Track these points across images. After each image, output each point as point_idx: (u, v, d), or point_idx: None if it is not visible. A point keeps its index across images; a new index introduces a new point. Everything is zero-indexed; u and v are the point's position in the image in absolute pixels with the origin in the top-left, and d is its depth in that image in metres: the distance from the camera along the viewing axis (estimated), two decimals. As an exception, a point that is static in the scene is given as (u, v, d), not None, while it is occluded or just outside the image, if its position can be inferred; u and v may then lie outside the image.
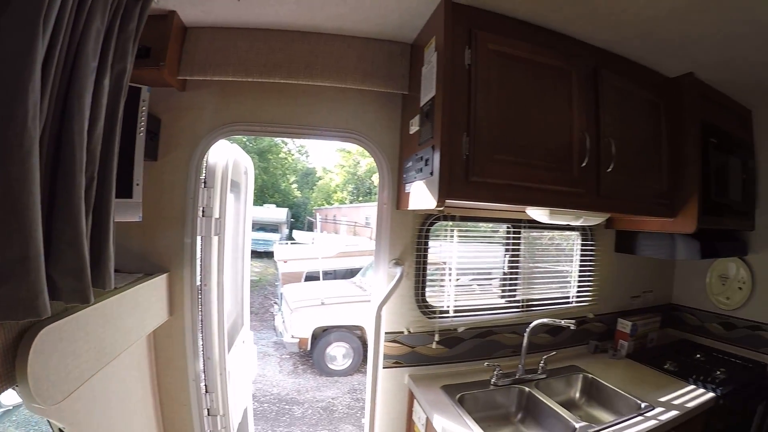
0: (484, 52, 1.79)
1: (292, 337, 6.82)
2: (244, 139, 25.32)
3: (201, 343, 2.29)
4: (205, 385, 2.33)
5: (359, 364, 7.04)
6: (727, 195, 2.72)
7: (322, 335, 6.93)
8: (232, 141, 2.47)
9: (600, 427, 1.96)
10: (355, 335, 7.05)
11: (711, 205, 2.54)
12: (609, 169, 2.12)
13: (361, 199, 32.47)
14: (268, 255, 17.63)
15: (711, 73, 2.54)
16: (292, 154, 35.08)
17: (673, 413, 2.12)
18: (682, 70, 2.50)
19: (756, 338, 3.02)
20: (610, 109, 2.16)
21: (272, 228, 24.13)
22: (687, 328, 3.44)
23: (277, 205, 28.01)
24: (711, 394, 2.38)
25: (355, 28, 2.11)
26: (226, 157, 2.44)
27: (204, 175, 2.24)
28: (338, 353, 6.99)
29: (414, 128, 2.07)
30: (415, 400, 2.32)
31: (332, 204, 32.98)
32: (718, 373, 2.67)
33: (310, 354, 7.09)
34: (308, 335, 6.81)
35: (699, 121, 2.47)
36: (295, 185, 36.22)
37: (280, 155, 33.37)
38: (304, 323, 6.82)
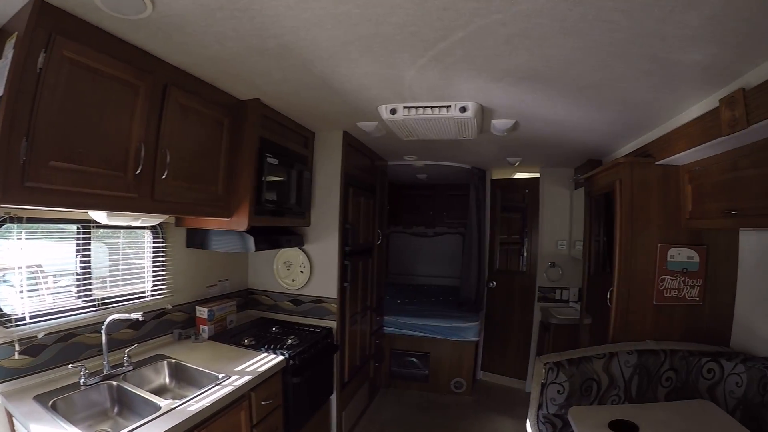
0: (58, 59, 1.79)
1: None
2: None
3: None
4: None
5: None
6: (288, 199, 3.39)
7: None
8: None
9: (181, 402, 2.18)
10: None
11: (269, 207, 3.12)
12: (163, 176, 2.35)
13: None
14: None
15: (277, 101, 3.08)
16: None
17: (247, 377, 2.56)
18: (251, 95, 2.96)
19: (320, 309, 3.93)
20: (172, 123, 2.40)
21: None
22: (264, 307, 4.12)
23: None
24: (281, 357, 2.96)
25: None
26: None
27: None
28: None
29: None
30: (13, 418, 2.15)
31: None
32: (290, 340, 3.27)
33: None
34: None
35: (258, 138, 3.00)
36: None
37: None
38: None
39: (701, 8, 1.63)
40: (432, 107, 2.96)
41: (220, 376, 2.56)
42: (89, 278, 2.75)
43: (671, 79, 2.39)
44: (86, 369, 2.38)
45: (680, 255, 3.25)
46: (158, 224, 3.06)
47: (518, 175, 6.31)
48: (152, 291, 3.13)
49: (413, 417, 4.86)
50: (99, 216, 2.35)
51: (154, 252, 3.15)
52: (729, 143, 2.52)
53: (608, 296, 3.47)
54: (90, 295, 2.74)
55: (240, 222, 2.97)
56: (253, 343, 3.20)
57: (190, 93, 2.55)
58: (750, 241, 3.11)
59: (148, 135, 2.27)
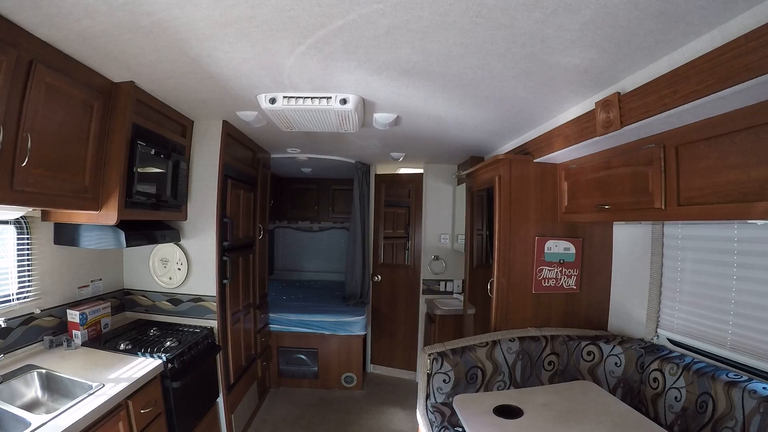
0: None
1: None
2: None
3: None
4: None
5: None
6: (163, 191, 3.21)
7: None
8: None
9: (52, 416, 2.02)
10: None
11: (142, 199, 2.94)
12: (24, 164, 2.08)
13: None
14: None
15: (153, 85, 2.88)
16: None
17: (123, 385, 2.40)
18: (125, 78, 2.71)
19: (200, 308, 3.77)
20: (36, 104, 2.14)
21: None
22: (142, 308, 3.88)
23: None
24: (159, 361, 2.80)
25: None
26: None
27: None
28: None
29: None
30: None
31: None
32: (169, 342, 3.12)
33: None
34: None
35: (131, 125, 2.78)
36: None
37: None
38: None
39: (581, 12, 1.74)
40: (312, 98, 2.91)
41: (94, 385, 2.38)
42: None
43: (550, 81, 2.54)
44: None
45: (557, 247, 3.51)
46: (22, 218, 2.79)
47: (402, 171, 6.49)
48: (18, 294, 2.81)
49: (305, 414, 4.88)
50: (-56, 209, 2.09)
51: (18, 250, 2.83)
52: (603, 143, 2.75)
53: (489, 287, 3.64)
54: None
55: (109, 216, 2.74)
56: (129, 347, 2.99)
57: (59, 72, 2.29)
58: (622, 233, 3.46)
59: (8, 116, 2.01)
